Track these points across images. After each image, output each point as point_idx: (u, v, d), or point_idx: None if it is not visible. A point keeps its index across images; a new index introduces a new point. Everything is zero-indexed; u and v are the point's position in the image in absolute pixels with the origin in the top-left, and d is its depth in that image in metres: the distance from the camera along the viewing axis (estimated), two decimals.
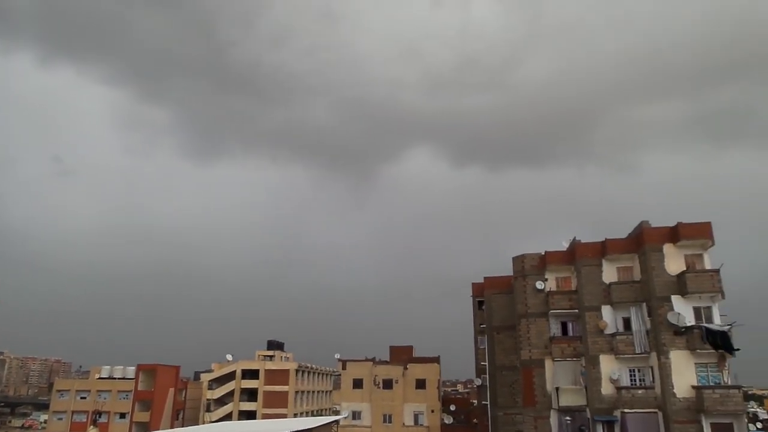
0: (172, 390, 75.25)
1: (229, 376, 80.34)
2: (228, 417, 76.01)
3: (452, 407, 63.43)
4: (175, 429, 42.67)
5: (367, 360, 65.02)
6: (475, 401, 60.39)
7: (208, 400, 79.69)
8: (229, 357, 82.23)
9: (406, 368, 58.80)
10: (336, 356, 63.07)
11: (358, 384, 58.24)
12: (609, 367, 35.31)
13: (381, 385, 57.74)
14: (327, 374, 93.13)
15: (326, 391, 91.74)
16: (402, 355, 67.19)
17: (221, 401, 79.38)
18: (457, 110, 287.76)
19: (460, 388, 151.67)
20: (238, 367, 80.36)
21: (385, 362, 64.92)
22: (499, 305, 45.62)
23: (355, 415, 56.74)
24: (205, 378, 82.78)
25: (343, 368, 60.15)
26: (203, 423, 70.72)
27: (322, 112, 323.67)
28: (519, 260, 41.13)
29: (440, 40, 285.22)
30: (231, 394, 79.29)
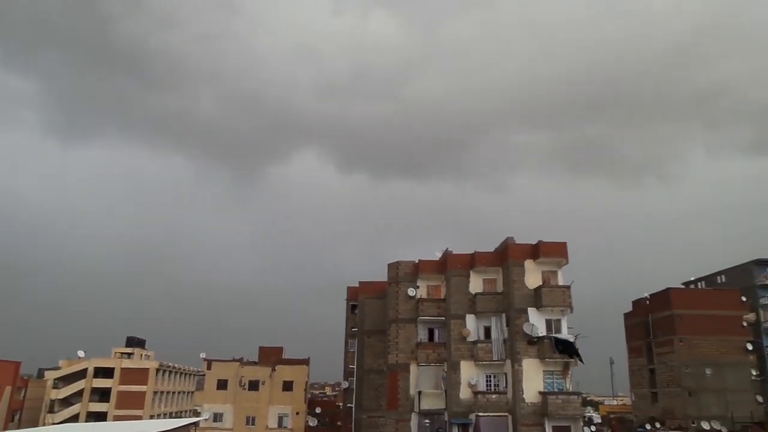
0: (9, 388, 67.74)
1: (80, 375, 73.96)
2: (74, 418, 69.90)
3: (318, 410, 63.37)
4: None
5: (234, 360, 63.00)
6: (341, 404, 60.87)
7: (52, 400, 72.71)
8: (80, 353, 75.72)
9: (274, 370, 57.83)
10: (201, 356, 60.52)
11: (222, 385, 56.27)
12: (468, 372, 37.28)
13: (246, 386, 56.28)
14: (191, 374, 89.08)
15: (189, 392, 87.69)
16: (271, 357, 65.99)
17: (67, 401, 72.81)
18: (348, 116, 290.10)
19: (328, 390, 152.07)
20: (91, 365, 74.22)
21: (254, 363, 63.36)
22: (372, 310, 46.45)
23: (217, 417, 54.72)
24: (51, 376, 75.48)
25: (208, 368, 57.83)
26: (44, 425, 64.40)
27: (211, 103, 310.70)
28: (394, 267, 42.21)
29: (337, 46, 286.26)
30: (80, 393, 73.03)
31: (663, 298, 59.69)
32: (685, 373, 55.58)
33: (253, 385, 56.69)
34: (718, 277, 74.29)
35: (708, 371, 55.60)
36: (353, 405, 47.57)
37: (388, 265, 42.60)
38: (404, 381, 39.24)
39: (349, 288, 54.58)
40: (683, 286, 71.58)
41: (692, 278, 77.58)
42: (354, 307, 52.26)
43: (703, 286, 74.67)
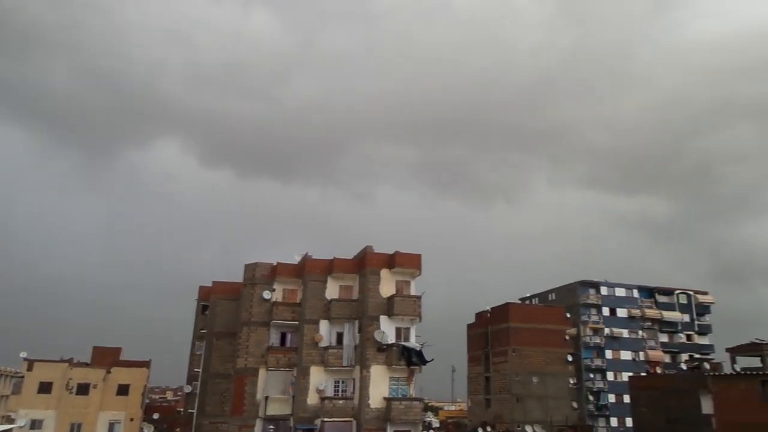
0: None
1: None
2: None
3: (156, 415, 59.56)
4: None
5: (63, 361, 56.90)
6: (182, 409, 57.78)
7: None
8: None
9: (108, 372, 53.27)
10: (22, 355, 53.89)
11: (45, 388, 50.56)
12: (318, 378, 37.41)
13: (75, 390, 51.18)
14: (8, 376, 79.00)
15: (4, 396, 77.63)
16: (108, 358, 60.67)
17: None
18: (217, 110, 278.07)
19: (169, 395, 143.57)
20: None
21: (86, 364, 57.78)
22: (224, 311, 44.85)
23: (35, 424, 49.03)
24: None
25: (29, 369, 51.70)
26: None
27: (64, 75, 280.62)
28: (251, 268, 41.21)
29: (213, 36, 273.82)
30: None
31: (502, 311, 64.78)
32: (515, 381, 60.71)
33: (83, 389, 51.71)
34: (550, 295, 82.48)
35: (534, 379, 61.25)
36: (195, 410, 45.40)
37: (245, 265, 41.52)
38: (251, 386, 38.33)
39: (201, 287, 52.18)
40: (520, 302, 78.38)
41: (528, 294, 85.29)
42: (205, 307, 50.07)
43: (537, 302, 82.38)
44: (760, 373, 26.18)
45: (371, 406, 35.77)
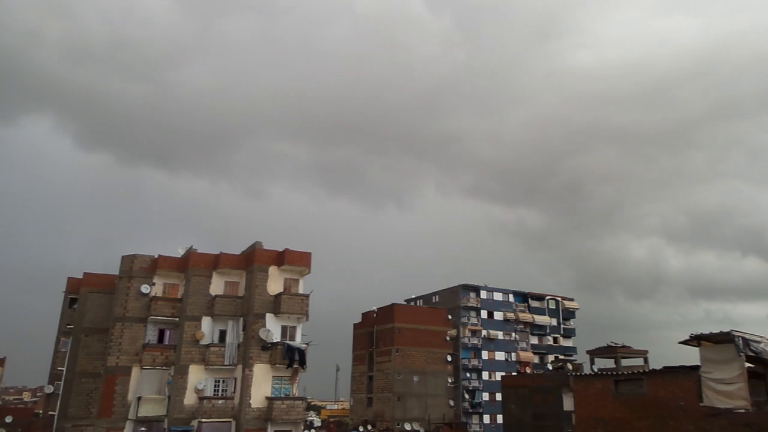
0: None
1: None
2: None
3: (9, 418, 54.03)
4: None
5: None
6: (41, 411, 52.91)
7: None
8: None
9: None
10: None
11: None
12: (197, 377, 35.93)
13: None
14: None
15: None
16: None
17: None
18: (99, 88, 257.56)
19: (27, 396, 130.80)
20: None
21: None
22: (96, 305, 41.76)
23: None
24: None
25: None
26: None
27: None
28: (129, 260, 38.72)
29: (97, 8, 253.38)
30: None
31: (388, 312, 66.14)
32: (397, 380, 62.23)
33: None
34: (434, 297, 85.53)
35: (416, 378, 63.17)
36: (56, 412, 41.77)
37: (123, 257, 38.92)
38: (123, 386, 35.97)
39: (70, 279, 48.14)
40: (405, 303, 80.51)
41: (413, 296, 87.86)
42: (73, 300, 46.25)
43: (421, 303, 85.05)
44: (614, 373, 28.98)
45: (252, 406, 35.00)
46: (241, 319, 37.61)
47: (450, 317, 73.90)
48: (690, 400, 20.91)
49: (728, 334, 19.97)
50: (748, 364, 20.25)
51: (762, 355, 20.14)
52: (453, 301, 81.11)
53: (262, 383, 35.73)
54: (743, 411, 19.33)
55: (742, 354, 19.55)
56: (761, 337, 20.60)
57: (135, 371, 36.40)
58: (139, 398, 35.63)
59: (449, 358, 68.61)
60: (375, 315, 68.40)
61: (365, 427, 59.66)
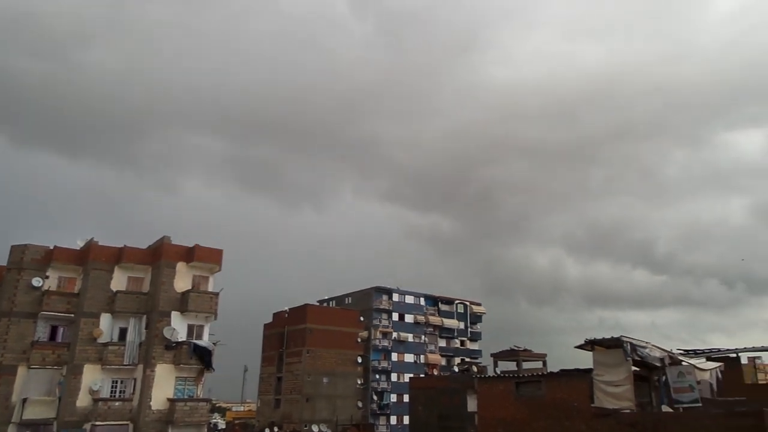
0: None
1: None
2: None
3: None
4: None
5: None
6: None
7: None
8: None
9: None
10: None
11: None
12: (92, 377, 33.79)
13: None
14: None
15: None
16: None
17: None
18: None
19: None
20: None
21: None
22: None
23: None
24: None
25: None
26: None
27: None
28: (19, 250, 35.76)
29: None
30: None
31: (300, 312, 65.53)
32: (307, 381, 61.75)
33: None
34: (347, 299, 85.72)
35: (325, 380, 62.97)
36: None
37: (12, 247, 35.87)
38: (6, 386, 33.10)
39: None
40: (318, 304, 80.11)
41: (326, 297, 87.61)
42: None
43: (334, 304, 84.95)
44: (515, 375, 30.37)
45: (152, 408, 33.39)
46: (145, 316, 35.82)
47: (362, 319, 74.38)
48: (583, 401, 22.24)
49: (618, 339, 21.46)
50: (634, 368, 21.86)
51: (647, 359, 21.81)
52: (366, 303, 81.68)
53: (164, 384, 34.19)
54: (629, 411, 20.83)
55: (629, 358, 21.07)
56: (646, 342, 22.30)
57: (21, 371, 33.60)
58: (24, 400, 32.97)
59: (360, 360, 68.98)
60: (287, 315, 67.55)
61: (272, 429, 58.67)
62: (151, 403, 33.39)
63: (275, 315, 69.96)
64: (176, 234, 38.18)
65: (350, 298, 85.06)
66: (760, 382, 28.35)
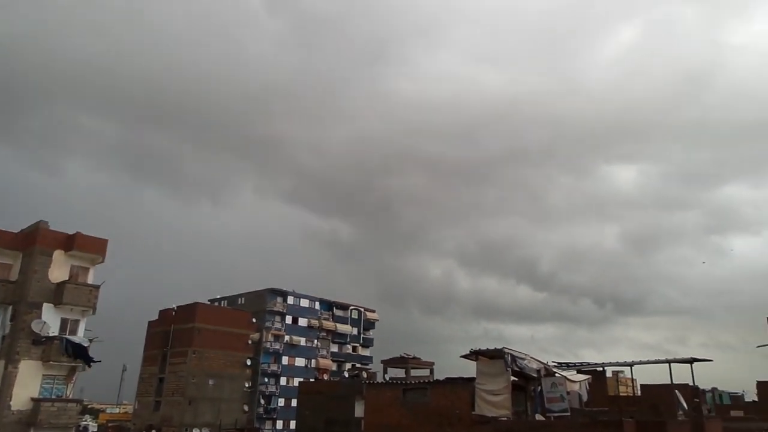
0: None
1: None
2: None
3: None
4: None
5: None
6: None
7: None
8: None
9: None
10: None
11: None
12: None
13: None
14: None
15: None
16: None
17: None
18: None
19: None
20: None
21: None
22: None
23: None
24: None
25: None
26: None
27: None
28: None
29: None
30: None
31: (189, 310, 62.78)
32: (191, 383, 59.19)
33: None
34: (240, 299, 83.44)
35: (211, 382, 60.71)
36: None
37: None
38: None
39: None
40: (209, 302, 77.24)
41: (218, 296, 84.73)
42: None
43: (226, 304, 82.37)
44: (403, 382, 31.05)
45: (12, 408, 30.45)
46: (11, 307, 32.69)
47: (254, 320, 72.68)
48: (464, 409, 23.14)
49: (500, 350, 22.61)
50: (513, 378, 23.11)
51: (525, 370, 23.14)
52: (259, 305, 79.91)
53: (29, 382, 31.32)
54: (505, 419, 21.96)
55: (509, 369, 22.26)
56: (525, 354, 23.67)
57: None
58: None
59: (249, 362, 67.28)
60: (174, 313, 64.47)
61: None
62: (11, 402, 30.48)
63: (162, 312, 66.49)
64: (56, 220, 35.02)
65: (243, 299, 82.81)
66: (621, 394, 30.92)
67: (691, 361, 23.25)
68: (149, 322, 67.50)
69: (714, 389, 47.55)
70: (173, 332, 62.81)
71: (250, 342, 68.15)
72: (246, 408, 67.17)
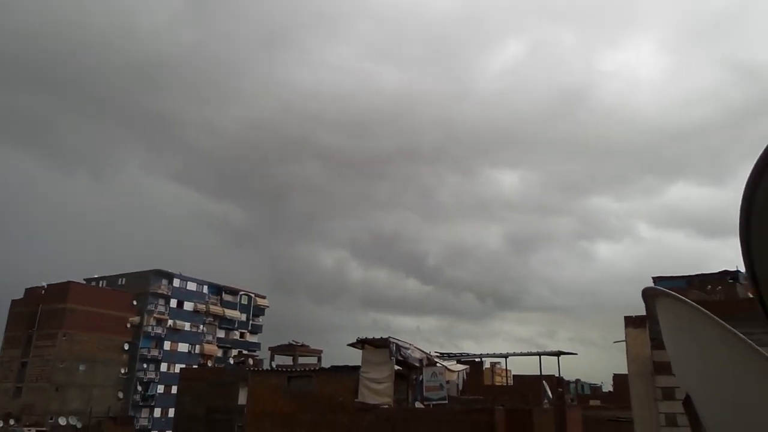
0: None
1: None
2: None
3: None
4: None
5: None
6: None
7: None
8: None
9: None
10: None
11: None
12: None
13: None
14: None
15: None
16: None
17: None
18: None
19: None
20: None
21: None
22: None
23: None
24: None
25: None
26: None
27: None
28: None
29: None
30: None
31: (60, 289, 58.31)
32: (59, 368, 55.09)
33: None
34: (120, 279, 78.61)
35: (82, 367, 56.88)
36: None
37: None
38: None
39: None
40: (85, 282, 72.09)
41: (96, 276, 79.26)
42: None
43: (105, 284, 77.32)
44: (290, 370, 30.92)
45: None
46: None
47: (135, 303, 68.91)
48: (348, 397, 23.52)
49: (386, 340, 23.22)
50: (397, 367, 23.84)
51: (408, 359, 23.94)
52: (142, 287, 75.71)
53: None
54: (387, 407, 22.62)
55: (393, 358, 22.92)
56: (410, 344, 24.49)
57: None
58: None
59: (127, 347, 63.77)
60: (43, 292, 59.54)
61: (6, 422, 51.04)
62: None
63: (28, 291, 61.10)
64: None
65: (124, 279, 78.05)
66: (497, 384, 32.97)
67: (558, 354, 25.27)
68: (13, 301, 61.79)
69: (578, 380, 52.11)
70: (41, 313, 58.00)
71: (129, 325, 64.56)
72: (121, 395, 63.65)
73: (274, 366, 46.30)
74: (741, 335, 2.02)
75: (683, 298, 2.29)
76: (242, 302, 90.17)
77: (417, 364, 24.58)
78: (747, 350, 1.98)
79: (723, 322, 2.06)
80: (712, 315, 2.09)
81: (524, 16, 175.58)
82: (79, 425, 53.83)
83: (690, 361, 2.53)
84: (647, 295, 2.55)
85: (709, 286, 26.89)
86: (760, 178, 1.15)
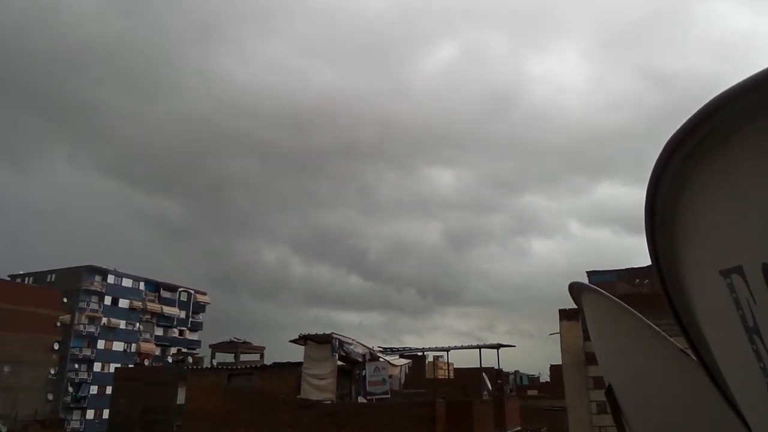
0: None
1: None
2: None
3: None
4: None
5: None
6: None
7: None
8: None
9: None
10: None
11: None
12: None
13: None
14: None
15: None
16: None
17: None
18: None
19: None
20: None
21: None
22: None
23: None
24: None
25: None
26: None
27: None
28: None
29: None
30: None
31: None
32: None
33: None
34: (49, 276, 74.89)
35: (7, 369, 53.89)
36: None
37: None
38: None
39: None
40: (9, 279, 68.21)
41: (21, 272, 75.15)
42: None
43: (31, 281, 73.49)
44: (230, 368, 30.29)
45: None
46: None
47: (65, 300, 65.75)
48: (290, 393, 23.31)
49: (329, 335, 23.14)
50: (340, 363, 23.82)
51: (351, 354, 23.96)
52: (73, 283, 72.36)
53: None
54: (329, 402, 22.58)
55: (335, 353, 22.88)
56: (353, 339, 24.52)
57: None
58: None
59: (57, 347, 60.80)
60: None
61: None
62: None
63: None
64: None
65: (54, 276, 74.36)
66: (439, 377, 33.48)
67: (497, 346, 25.94)
68: None
69: (516, 372, 53.65)
70: None
71: (59, 324, 61.53)
72: (51, 397, 60.69)
73: (215, 364, 45.28)
74: (657, 328, 2.13)
75: (605, 293, 2.39)
76: (181, 299, 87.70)
77: (360, 360, 24.65)
78: (661, 342, 2.09)
79: (641, 316, 2.17)
80: (632, 309, 2.20)
81: (456, 19, 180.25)
82: (4, 429, 50.94)
83: (612, 353, 2.65)
84: (573, 289, 2.65)
85: (637, 280, 28.35)
86: (658, 180, 1.21)
